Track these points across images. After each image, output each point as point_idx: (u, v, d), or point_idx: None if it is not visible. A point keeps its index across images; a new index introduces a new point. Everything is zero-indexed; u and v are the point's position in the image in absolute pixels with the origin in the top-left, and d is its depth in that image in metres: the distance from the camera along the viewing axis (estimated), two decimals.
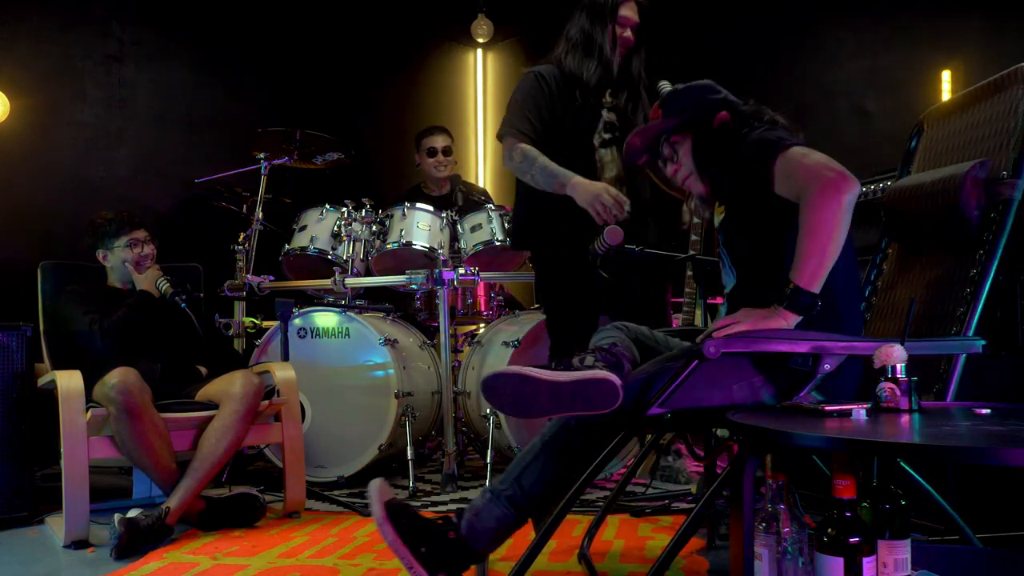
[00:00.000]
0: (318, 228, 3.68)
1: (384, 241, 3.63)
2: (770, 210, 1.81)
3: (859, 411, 1.43)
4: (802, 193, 1.72)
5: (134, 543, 2.42)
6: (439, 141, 4.25)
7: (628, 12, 2.72)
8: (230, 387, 2.76)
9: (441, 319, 3.38)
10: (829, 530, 1.31)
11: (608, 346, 1.83)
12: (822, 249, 1.69)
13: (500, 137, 2.78)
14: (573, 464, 1.91)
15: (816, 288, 1.70)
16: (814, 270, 1.70)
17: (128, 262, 3.02)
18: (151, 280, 2.99)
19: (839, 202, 1.67)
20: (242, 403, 2.72)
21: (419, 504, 3.04)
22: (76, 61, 4.22)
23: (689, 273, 3.21)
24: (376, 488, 1.89)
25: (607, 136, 2.78)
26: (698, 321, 3.24)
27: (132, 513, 2.49)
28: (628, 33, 2.73)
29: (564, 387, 1.67)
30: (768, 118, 1.97)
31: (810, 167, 1.74)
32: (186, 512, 2.63)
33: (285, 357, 3.23)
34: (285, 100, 4.95)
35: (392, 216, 3.65)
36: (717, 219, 2.05)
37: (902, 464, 1.94)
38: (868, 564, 1.30)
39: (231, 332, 3.66)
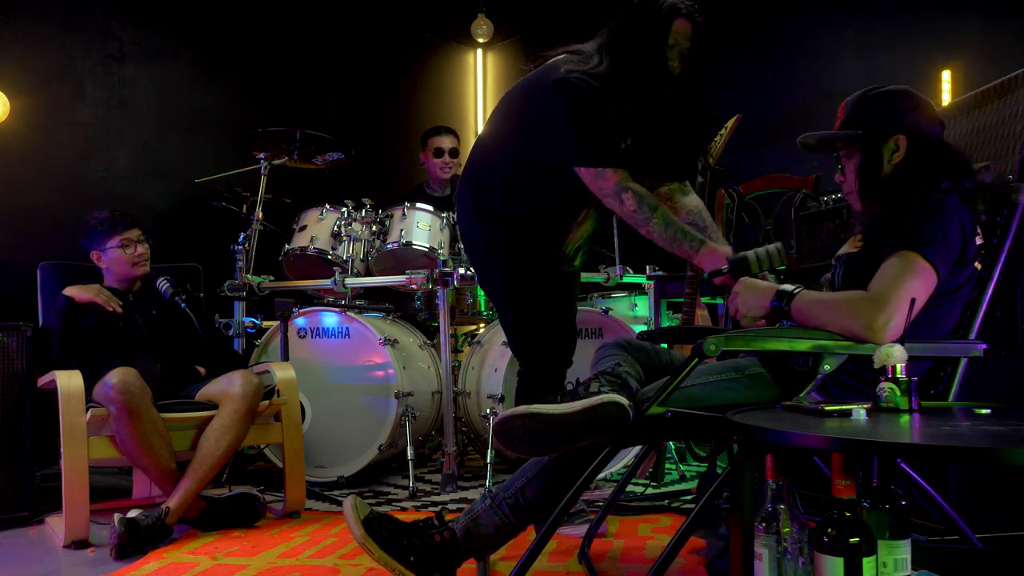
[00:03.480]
0: (318, 228, 3.68)
1: (384, 241, 3.63)
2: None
3: (859, 411, 1.43)
4: (869, 289, 1.72)
5: (134, 543, 2.42)
6: (447, 142, 4.25)
7: (683, 28, 2.14)
8: (230, 387, 2.76)
9: (441, 319, 3.38)
10: (829, 530, 1.31)
11: (612, 368, 1.82)
12: (818, 319, 1.74)
13: (586, 164, 2.17)
14: (580, 477, 1.91)
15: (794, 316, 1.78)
16: (805, 315, 1.75)
17: (121, 263, 2.99)
18: (84, 291, 2.92)
19: (851, 330, 1.68)
20: (242, 403, 2.72)
21: (419, 504, 3.05)
22: (76, 61, 4.22)
23: (689, 273, 3.21)
24: (350, 507, 1.88)
25: None
26: (698, 321, 3.24)
27: (132, 513, 2.49)
28: (675, 61, 2.17)
29: (575, 418, 1.67)
30: (954, 160, 1.83)
31: (882, 291, 1.70)
32: (186, 512, 2.63)
33: (285, 357, 3.24)
34: (285, 100, 4.96)
35: (392, 216, 3.66)
36: (844, 249, 1.96)
37: (902, 464, 1.94)
38: (868, 564, 1.30)
39: (231, 332, 3.66)
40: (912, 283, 1.69)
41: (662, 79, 2.15)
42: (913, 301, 1.70)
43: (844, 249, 1.98)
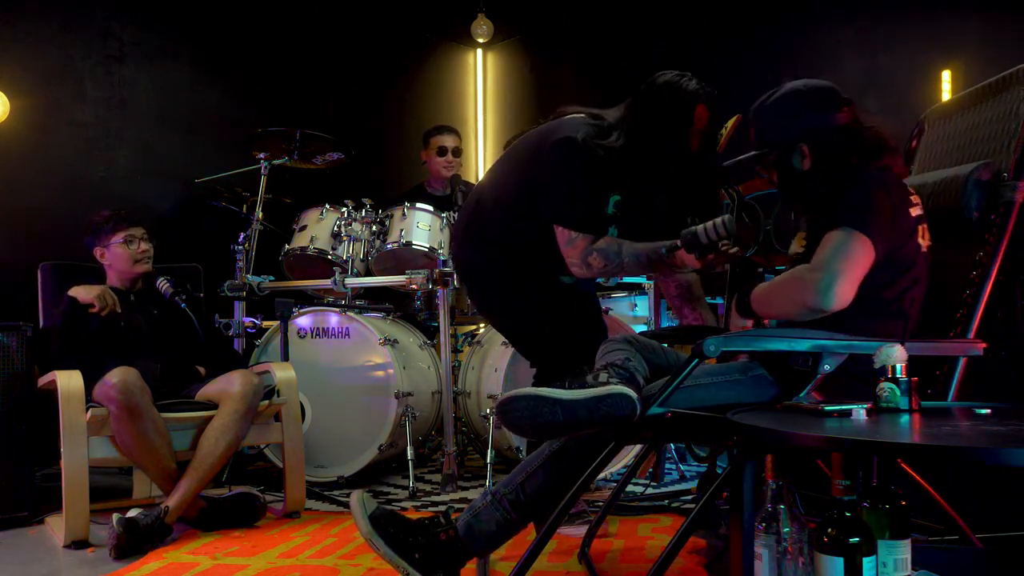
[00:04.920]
0: (318, 228, 3.68)
1: (384, 241, 3.63)
2: None
3: (859, 411, 1.43)
4: (812, 263, 1.75)
5: (133, 543, 2.42)
6: (450, 141, 4.24)
7: (703, 113, 2.21)
8: (229, 387, 2.76)
9: (441, 319, 3.39)
10: (829, 530, 1.31)
11: (621, 361, 1.82)
12: (773, 304, 1.82)
13: (561, 225, 2.22)
14: (580, 474, 1.91)
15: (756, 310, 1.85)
16: (763, 303, 1.83)
17: (124, 259, 2.99)
18: (87, 291, 2.88)
19: (793, 306, 1.74)
20: (242, 402, 2.72)
21: (419, 504, 3.05)
22: (76, 61, 4.22)
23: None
24: (357, 502, 1.88)
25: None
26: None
27: (131, 513, 2.49)
28: (692, 143, 2.24)
29: (580, 405, 1.67)
30: (859, 139, 1.84)
31: (818, 260, 1.73)
32: (186, 512, 2.64)
33: (285, 357, 3.24)
34: (285, 100, 4.95)
35: (392, 216, 3.66)
36: (793, 248, 2.00)
37: (902, 464, 1.94)
38: (868, 564, 1.30)
39: (231, 332, 3.66)
40: (847, 250, 1.71)
41: (677, 162, 2.21)
42: (913, 301, 1.70)
43: (792, 249, 2.00)
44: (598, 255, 2.18)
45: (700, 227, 2.03)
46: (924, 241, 1.83)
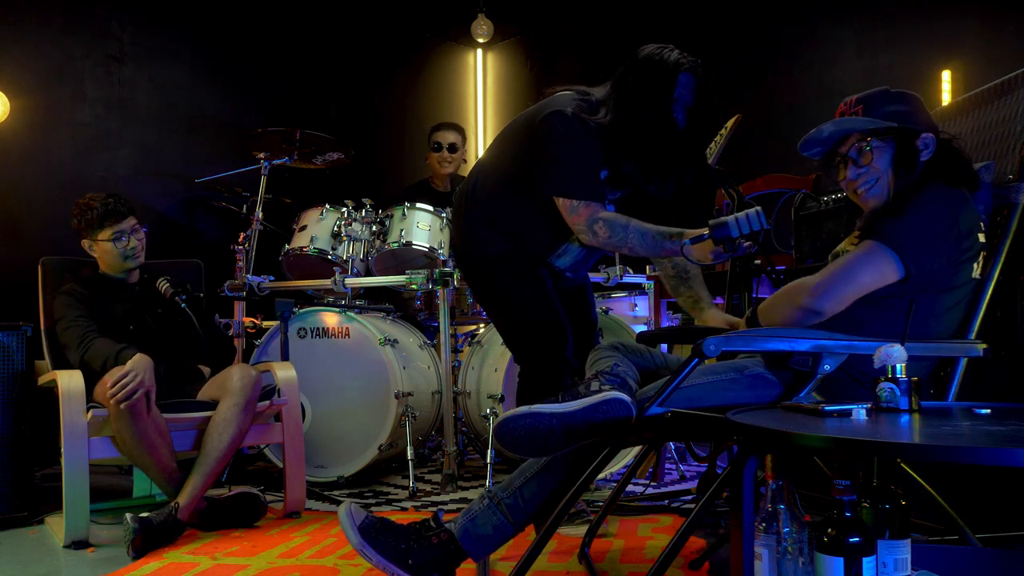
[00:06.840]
0: (318, 228, 3.69)
1: (384, 241, 3.63)
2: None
3: (859, 411, 1.43)
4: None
5: (150, 541, 2.44)
6: (445, 137, 4.28)
7: (687, 83, 2.18)
8: (227, 381, 2.77)
9: (441, 319, 3.39)
10: (829, 530, 1.31)
11: (610, 368, 1.82)
12: (778, 314, 1.85)
13: (561, 196, 2.21)
14: (579, 477, 1.91)
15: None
16: (770, 315, 1.86)
17: (113, 256, 2.95)
18: (144, 362, 2.66)
19: (791, 308, 1.79)
20: (241, 395, 2.72)
21: (419, 504, 3.05)
22: (76, 61, 4.22)
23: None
24: (346, 513, 1.87)
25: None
26: (698, 321, 3.23)
27: (142, 513, 2.50)
28: (679, 115, 2.22)
29: (577, 415, 1.68)
30: (956, 159, 1.85)
31: (826, 269, 1.77)
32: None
33: (285, 357, 3.24)
34: (285, 100, 4.96)
35: (392, 216, 3.66)
36: (842, 247, 1.96)
37: (902, 464, 1.94)
38: (868, 564, 1.30)
39: (231, 332, 3.66)
40: (863, 261, 1.72)
41: (665, 134, 2.19)
42: (912, 302, 1.70)
43: (841, 247, 1.98)
44: (604, 224, 2.15)
45: (731, 218, 1.90)
46: (978, 267, 1.83)
